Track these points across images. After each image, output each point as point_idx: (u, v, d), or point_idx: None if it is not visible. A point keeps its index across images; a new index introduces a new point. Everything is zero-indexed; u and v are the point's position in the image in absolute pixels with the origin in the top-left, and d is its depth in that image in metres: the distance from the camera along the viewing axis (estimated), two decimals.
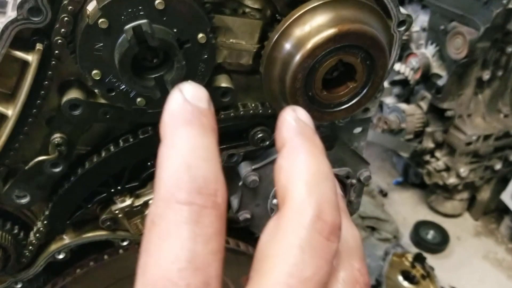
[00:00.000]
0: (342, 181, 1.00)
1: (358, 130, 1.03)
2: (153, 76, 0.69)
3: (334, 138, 0.95)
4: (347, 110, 0.84)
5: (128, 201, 0.90)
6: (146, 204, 0.92)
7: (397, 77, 2.49)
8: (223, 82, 0.81)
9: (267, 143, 0.91)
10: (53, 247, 0.94)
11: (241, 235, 1.20)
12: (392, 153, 2.98)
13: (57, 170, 0.82)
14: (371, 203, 2.60)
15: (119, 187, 0.87)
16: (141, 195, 0.92)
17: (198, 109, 0.39)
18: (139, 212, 0.93)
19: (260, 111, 0.87)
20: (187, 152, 0.37)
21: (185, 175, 0.36)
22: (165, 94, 0.70)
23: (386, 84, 2.64)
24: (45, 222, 0.89)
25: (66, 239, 0.94)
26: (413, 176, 2.81)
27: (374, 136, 2.42)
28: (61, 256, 0.96)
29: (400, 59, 2.46)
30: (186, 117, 0.38)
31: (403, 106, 2.42)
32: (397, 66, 2.34)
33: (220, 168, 0.38)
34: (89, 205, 0.88)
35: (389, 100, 2.61)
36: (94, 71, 0.67)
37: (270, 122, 0.90)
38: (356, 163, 1.02)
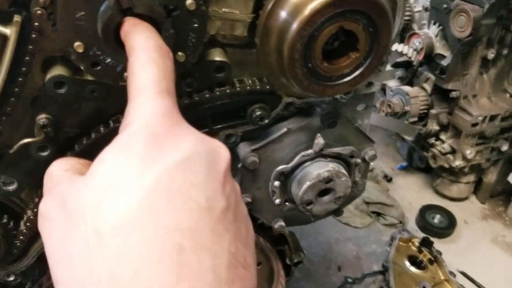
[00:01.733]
0: (346, 160, 0.96)
1: (361, 106, 0.98)
2: None
3: (337, 115, 0.90)
4: (350, 83, 0.79)
5: None
6: None
7: (399, 59, 2.43)
8: (217, 56, 0.76)
9: (266, 121, 0.86)
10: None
11: None
12: (396, 138, 2.93)
13: (45, 154, 0.77)
14: (376, 188, 2.55)
15: None
16: None
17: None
18: None
19: (258, 87, 0.83)
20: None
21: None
22: None
23: (388, 67, 2.58)
24: (36, 210, 0.85)
25: None
26: (417, 160, 2.76)
27: (377, 120, 2.37)
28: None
29: (403, 40, 2.41)
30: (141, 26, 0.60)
31: (407, 88, 2.36)
32: (400, 47, 2.28)
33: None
34: None
35: (392, 83, 2.55)
36: (77, 43, 0.63)
37: (268, 98, 0.86)
38: (360, 142, 0.98)
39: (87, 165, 0.52)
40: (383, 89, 2.64)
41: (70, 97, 0.71)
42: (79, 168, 0.52)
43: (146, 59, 0.52)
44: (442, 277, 2.06)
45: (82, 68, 0.67)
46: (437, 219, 2.41)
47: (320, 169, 0.90)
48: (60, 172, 0.51)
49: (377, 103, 2.53)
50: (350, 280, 2.02)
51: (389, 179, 2.72)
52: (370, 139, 0.99)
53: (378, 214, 2.43)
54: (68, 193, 0.46)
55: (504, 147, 2.34)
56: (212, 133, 0.86)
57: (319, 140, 0.89)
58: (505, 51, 2.16)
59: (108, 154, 0.45)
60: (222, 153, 0.49)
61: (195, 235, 0.42)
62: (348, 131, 0.96)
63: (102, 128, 0.77)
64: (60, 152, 0.79)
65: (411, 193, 2.66)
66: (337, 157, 0.94)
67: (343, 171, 0.93)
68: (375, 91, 0.95)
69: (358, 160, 0.97)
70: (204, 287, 0.40)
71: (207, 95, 0.79)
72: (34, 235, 0.90)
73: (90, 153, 0.49)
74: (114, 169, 0.43)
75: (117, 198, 0.42)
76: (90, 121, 0.79)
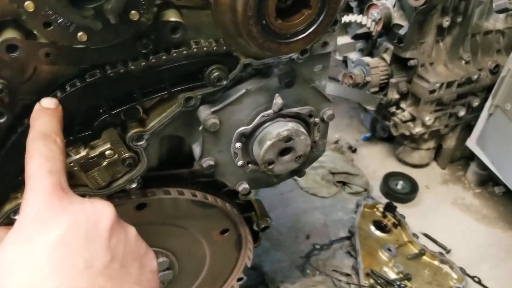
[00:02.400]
0: (305, 119, 0.98)
1: (318, 67, 1.00)
2: (92, 6, 0.64)
3: (294, 75, 0.92)
4: (304, 40, 0.81)
5: (83, 153, 0.86)
6: (102, 155, 0.88)
7: (359, 31, 2.47)
8: (172, 16, 0.77)
9: (224, 82, 0.87)
10: (8, 207, 0.89)
11: (209, 189, 1.18)
12: (360, 110, 2.99)
13: (1, 121, 0.77)
14: (341, 159, 2.61)
15: (70, 137, 0.83)
16: (96, 146, 0.88)
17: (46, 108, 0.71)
18: (96, 164, 0.89)
19: (215, 48, 0.84)
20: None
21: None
22: (106, 25, 0.66)
23: (349, 39, 2.62)
24: None
25: (21, 197, 0.89)
26: (380, 130, 2.83)
27: (340, 91, 2.41)
28: (17, 217, 0.91)
29: (362, 11, 2.44)
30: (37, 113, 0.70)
31: (367, 59, 2.41)
32: (359, 18, 2.31)
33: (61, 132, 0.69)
34: None
35: (353, 55, 2.59)
36: (27, 2, 0.62)
37: (225, 60, 0.87)
38: (318, 102, 1.01)
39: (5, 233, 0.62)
40: (345, 61, 2.68)
41: (24, 61, 0.71)
42: None
43: (32, 150, 0.64)
44: (406, 239, 2.15)
45: (34, 29, 0.67)
46: (400, 185, 2.49)
47: (279, 128, 0.92)
48: None
49: (339, 75, 2.57)
50: (317, 246, 2.08)
51: (353, 150, 2.78)
52: (328, 99, 1.01)
53: (344, 183, 2.49)
54: None
55: (461, 113, 2.43)
56: (171, 96, 0.87)
57: (278, 100, 0.91)
58: (459, 19, 2.23)
59: (7, 239, 0.57)
60: (105, 213, 0.60)
61: None
62: (306, 92, 0.98)
63: (59, 93, 0.77)
64: (17, 119, 0.79)
65: (375, 162, 2.73)
66: (296, 117, 0.97)
67: (302, 130, 0.96)
68: (331, 51, 0.97)
69: (317, 120, 1.00)
70: None
71: (164, 57, 0.80)
72: None
73: None
74: (11, 252, 0.55)
75: (11, 275, 0.53)
76: (46, 87, 0.79)
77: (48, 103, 0.71)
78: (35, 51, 0.70)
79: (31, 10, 0.62)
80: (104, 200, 0.65)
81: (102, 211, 0.61)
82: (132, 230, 0.65)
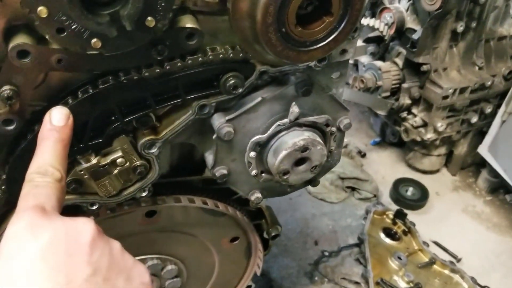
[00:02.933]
0: (321, 129, 0.95)
1: (336, 74, 0.98)
2: (107, 12, 0.62)
3: (311, 83, 0.89)
4: (324, 48, 0.79)
5: (94, 161, 0.84)
6: (113, 163, 0.86)
7: (371, 34, 2.44)
8: (188, 22, 0.74)
9: (240, 90, 0.85)
10: None
11: (219, 196, 1.16)
12: (369, 114, 2.96)
13: (11, 128, 0.74)
14: (350, 164, 2.58)
15: (81, 145, 0.81)
16: (107, 154, 0.85)
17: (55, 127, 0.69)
18: (106, 172, 0.86)
19: (231, 55, 0.81)
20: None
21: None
22: (121, 31, 0.63)
23: (360, 42, 2.59)
24: (3, 187, 0.82)
25: None
26: (390, 135, 2.80)
27: (350, 95, 2.38)
28: None
29: (374, 14, 2.41)
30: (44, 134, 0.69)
31: (379, 63, 2.38)
32: (372, 22, 2.28)
33: (63, 159, 0.68)
34: None
35: (364, 59, 2.56)
36: (40, 8, 0.59)
37: (242, 67, 0.84)
38: (335, 110, 0.98)
39: None
40: (356, 64, 2.65)
41: (35, 67, 0.68)
42: None
43: (26, 178, 0.66)
44: (416, 247, 2.11)
45: (46, 35, 0.64)
46: (410, 191, 2.46)
47: (295, 138, 0.90)
48: None
49: (350, 79, 2.54)
50: (326, 253, 2.05)
51: (363, 155, 2.75)
52: (345, 107, 0.98)
53: (353, 189, 2.46)
54: None
55: (474, 119, 2.39)
56: (184, 104, 0.84)
57: (294, 109, 0.89)
58: (473, 24, 2.19)
59: None
60: (85, 228, 0.61)
61: None
62: (323, 100, 0.95)
63: (70, 100, 0.75)
64: (27, 126, 0.76)
65: (384, 168, 2.70)
66: (312, 126, 0.94)
67: (319, 139, 0.93)
68: (349, 58, 0.94)
69: (333, 129, 0.97)
70: None
71: (179, 64, 0.77)
72: (3, 215, 0.88)
73: None
74: None
75: None
76: (58, 93, 0.76)
77: (58, 119, 0.69)
78: (47, 57, 0.68)
79: (44, 16, 0.60)
80: (85, 216, 0.65)
81: (83, 226, 0.61)
82: (116, 244, 0.65)
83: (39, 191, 0.64)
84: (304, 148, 0.91)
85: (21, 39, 0.66)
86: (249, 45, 0.79)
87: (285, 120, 0.90)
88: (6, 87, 0.70)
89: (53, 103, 0.76)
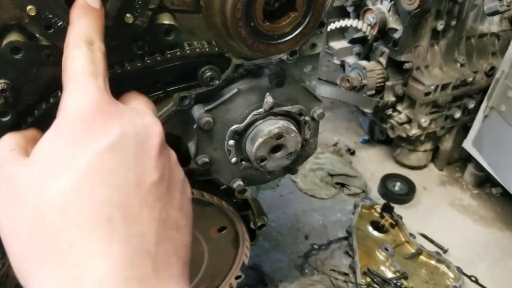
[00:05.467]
0: (295, 118, 1.02)
1: (308, 68, 1.05)
2: None
3: (284, 75, 0.96)
4: (292, 41, 0.86)
5: None
6: None
7: (356, 35, 2.52)
8: (166, 20, 0.82)
9: (217, 82, 0.92)
10: None
11: (206, 187, 1.22)
12: (358, 114, 3.03)
13: (6, 119, 0.81)
14: (339, 161, 2.65)
15: None
16: None
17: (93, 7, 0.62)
18: None
19: (207, 49, 0.88)
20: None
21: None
22: None
23: (345, 43, 2.67)
24: None
25: None
26: (378, 133, 2.87)
27: (337, 94, 2.46)
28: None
29: (358, 16, 2.49)
30: (81, 11, 0.61)
31: (364, 63, 2.45)
32: (355, 23, 2.36)
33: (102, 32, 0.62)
34: None
35: (350, 60, 2.64)
36: (29, 7, 0.67)
37: (218, 61, 0.91)
38: (308, 101, 1.05)
39: (32, 142, 0.58)
40: (343, 65, 2.73)
41: (27, 62, 0.75)
42: (25, 146, 0.58)
43: (74, 52, 0.58)
44: (403, 239, 2.18)
45: (36, 32, 0.71)
46: (397, 186, 2.53)
47: (270, 126, 0.97)
48: (5, 153, 0.55)
49: (337, 79, 2.62)
50: (316, 246, 2.11)
51: (352, 152, 2.82)
52: (318, 98, 1.05)
53: (342, 185, 2.53)
54: (12, 175, 0.51)
55: (457, 115, 2.47)
56: (166, 96, 0.92)
57: (268, 99, 0.96)
58: (453, 22, 2.27)
59: (45, 139, 0.51)
60: (154, 129, 0.55)
61: (124, 207, 0.48)
62: (296, 91, 1.02)
63: (59, 93, 0.82)
64: (20, 118, 0.83)
65: (373, 164, 2.77)
66: (287, 115, 1.01)
67: (293, 127, 1.00)
68: (319, 52, 1.01)
69: (307, 118, 1.04)
70: (133, 247, 0.48)
71: (159, 58, 0.84)
72: None
73: (49, 118, 0.54)
74: (51, 154, 0.49)
75: (53, 180, 0.47)
76: (48, 87, 0.83)
77: (94, 2, 0.62)
78: (38, 52, 0.75)
79: (33, 14, 0.67)
80: (153, 115, 0.58)
81: (151, 126, 0.55)
82: (174, 154, 0.60)
83: (98, 68, 0.56)
84: (279, 136, 0.97)
85: (13, 37, 0.73)
86: (223, 40, 0.87)
87: (261, 110, 0.97)
88: (1, 80, 0.77)
89: (45, 97, 0.83)
